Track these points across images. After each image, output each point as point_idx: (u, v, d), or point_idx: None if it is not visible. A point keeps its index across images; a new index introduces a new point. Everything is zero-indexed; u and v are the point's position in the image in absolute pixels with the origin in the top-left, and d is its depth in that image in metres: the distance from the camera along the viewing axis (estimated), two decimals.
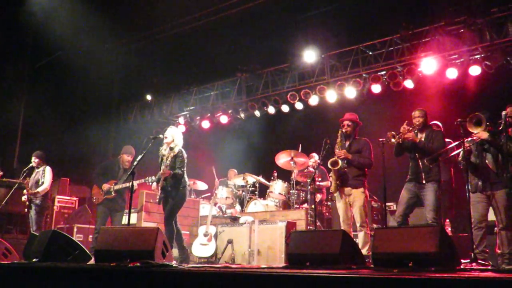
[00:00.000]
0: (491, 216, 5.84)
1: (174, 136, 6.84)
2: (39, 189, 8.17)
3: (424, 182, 5.92)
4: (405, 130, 5.99)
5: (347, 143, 6.54)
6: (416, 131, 6.05)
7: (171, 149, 6.76)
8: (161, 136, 6.88)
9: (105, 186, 7.62)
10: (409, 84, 9.03)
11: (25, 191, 8.23)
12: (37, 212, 8.14)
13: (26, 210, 8.30)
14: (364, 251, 5.88)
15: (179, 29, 11.54)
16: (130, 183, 6.31)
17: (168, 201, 6.71)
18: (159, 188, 6.68)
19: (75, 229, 9.19)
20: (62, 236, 5.73)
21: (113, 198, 7.66)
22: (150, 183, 6.95)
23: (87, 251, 5.79)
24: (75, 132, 11.53)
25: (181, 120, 12.04)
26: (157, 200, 6.82)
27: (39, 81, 11.77)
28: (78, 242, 5.92)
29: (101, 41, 12.34)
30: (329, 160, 6.38)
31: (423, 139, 6.00)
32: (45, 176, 8.27)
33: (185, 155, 6.81)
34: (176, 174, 6.64)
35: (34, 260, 5.41)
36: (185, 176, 6.81)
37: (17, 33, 11.45)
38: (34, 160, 8.41)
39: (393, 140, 6.02)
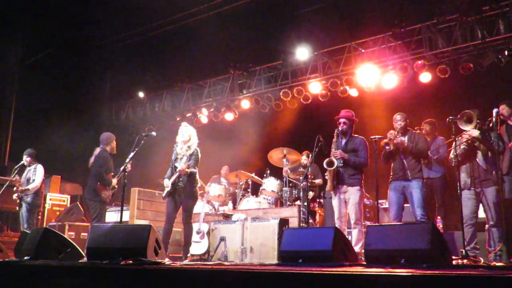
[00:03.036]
0: (482, 214, 5.91)
1: (191, 135, 6.73)
2: (29, 186, 8.13)
3: (410, 178, 6.05)
4: (393, 136, 6.14)
5: (343, 141, 6.54)
6: (399, 134, 6.21)
7: (189, 147, 6.68)
8: (153, 133, 6.84)
9: (114, 182, 7.45)
10: (401, 81, 9.07)
11: (15, 188, 8.18)
12: (28, 209, 8.09)
13: (17, 208, 8.25)
14: (357, 248, 5.91)
15: (172, 26, 11.50)
16: (124, 179, 6.28)
17: (178, 198, 6.61)
18: (171, 183, 6.55)
19: (66, 227, 9.15)
20: (54, 234, 5.70)
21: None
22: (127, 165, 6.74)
23: (79, 249, 5.77)
24: (67, 130, 11.46)
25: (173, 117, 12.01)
26: (164, 194, 6.66)
27: (30, 78, 11.69)
28: (70, 240, 5.90)
29: (93, 37, 12.27)
30: (324, 160, 6.39)
31: (406, 141, 6.20)
32: (36, 174, 8.24)
33: (199, 154, 6.74)
34: (192, 173, 6.59)
35: (25, 258, 5.38)
36: (197, 175, 6.77)
37: (8, 29, 11.36)
38: (26, 159, 8.36)
39: (387, 147, 6.14)
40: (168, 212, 6.71)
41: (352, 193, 6.35)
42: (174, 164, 6.69)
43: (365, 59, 9.43)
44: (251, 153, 10.69)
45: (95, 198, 7.31)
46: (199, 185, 6.87)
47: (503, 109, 6.31)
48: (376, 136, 6.20)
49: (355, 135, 6.59)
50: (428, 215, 6.38)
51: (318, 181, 8.87)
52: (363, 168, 6.47)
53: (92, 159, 7.49)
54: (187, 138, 6.68)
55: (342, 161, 6.39)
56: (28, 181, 8.23)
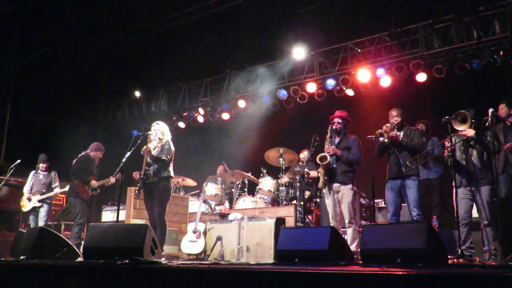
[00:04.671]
0: (476, 213, 5.93)
1: (164, 132, 6.79)
2: (57, 191, 8.66)
3: (405, 175, 6.05)
4: (388, 129, 6.14)
5: (337, 140, 6.58)
6: (395, 130, 6.21)
7: (160, 139, 6.71)
8: (150, 133, 6.84)
9: (94, 182, 7.60)
10: (397, 81, 9.10)
11: (54, 192, 8.52)
12: (48, 211, 8.52)
13: (26, 208, 8.41)
14: (352, 247, 5.92)
15: (168, 26, 11.49)
16: (120, 180, 6.29)
17: (151, 194, 6.56)
18: (140, 175, 6.54)
19: (62, 226, 9.14)
20: (50, 233, 5.71)
21: (97, 194, 7.72)
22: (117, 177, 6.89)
23: (75, 248, 5.77)
24: (63, 129, 11.43)
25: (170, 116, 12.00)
26: (137, 191, 6.61)
27: (27, 76, 11.65)
28: (66, 239, 5.90)
29: (89, 36, 12.24)
30: (317, 156, 6.43)
31: (401, 136, 6.20)
32: (56, 179, 8.74)
33: (172, 147, 6.71)
34: (159, 158, 6.49)
35: (21, 257, 5.38)
36: (171, 169, 6.71)
37: (4, 28, 11.31)
38: (43, 165, 8.68)
39: (381, 138, 6.14)
40: (148, 212, 6.71)
41: (345, 192, 6.36)
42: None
43: (361, 59, 9.45)
44: (247, 153, 10.70)
45: (74, 195, 7.65)
46: (172, 177, 6.79)
47: (502, 108, 6.33)
48: (372, 136, 6.22)
49: (349, 135, 6.63)
50: (424, 214, 6.40)
51: (313, 172, 8.75)
52: (355, 165, 6.50)
53: (74, 161, 7.98)
54: (161, 136, 6.75)
55: (335, 157, 6.42)
56: (50, 185, 8.61)
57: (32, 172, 8.75)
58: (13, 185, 8.77)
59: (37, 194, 8.41)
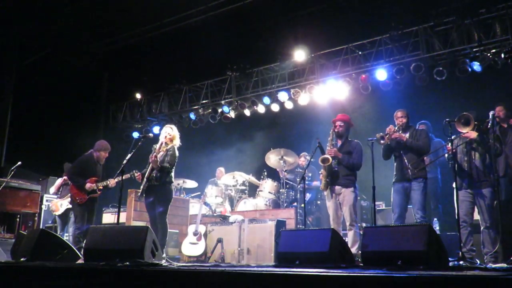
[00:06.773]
0: (477, 216, 5.92)
1: (173, 138, 6.80)
2: None
3: (411, 178, 6.03)
4: (392, 131, 6.13)
5: (339, 143, 6.58)
6: (400, 131, 6.19)
7: (166, 144, 6.72)
8: (151, 135, 6.85)
9: (89, 185, 7.33)
10: (398, 83, 9.09)
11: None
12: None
13: (57, 212, 8.58)
14: (353, 250, 5.92)
15: (170, 28, 11.49)
16: (121, 182, 6.28)
17: (153, 196, 6.57)
18: (145, 178, 6.56)
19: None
20: (51, 235, 5.71)
21: (97, 197, 7.55)
22: (135, 176, 6.85)
23: (76, 250, 5.76)
24: (63, 131, 11.43)
25: (171, 118, 12.01)
26: (140, 192, 6.62)
27: (28, 78, 11.66)
28: (66, 241, 5.89)
29: (90, 38, 12.26)
30: (319, 158, 6.44)
31: (406, 137, 6.17)
32: None
33: (177, 153, 6.76)
34: (164, 168, 6.56)
35: (22, 259, 5.38)
36: (172, 175, 6.76)
37: (5, 30, 11.33)
38: None
39: (382, 141, 6.13)
40: (149, 214, 6.71)
41: (346, 195, 6.36)
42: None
43: (362, 61, 9.44)
44: (248, 155, 10.70)
45: (72, 199, 7.52)
46: (173, 182, 6.82)
47: (500, 111, 6.33)
48: (373, 138, 6.21)
49: (351, 139, 6.63)
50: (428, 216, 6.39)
51: (316, 183, 8.88)
52: (356, 169, 6.50)
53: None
54: (168, 141, 6.74)
55: (336, 161, 6.41)
56: None
57: (61, 179, 8.97)
58: (14, 187, 8.76)
59: (68, 197, 8.37)
